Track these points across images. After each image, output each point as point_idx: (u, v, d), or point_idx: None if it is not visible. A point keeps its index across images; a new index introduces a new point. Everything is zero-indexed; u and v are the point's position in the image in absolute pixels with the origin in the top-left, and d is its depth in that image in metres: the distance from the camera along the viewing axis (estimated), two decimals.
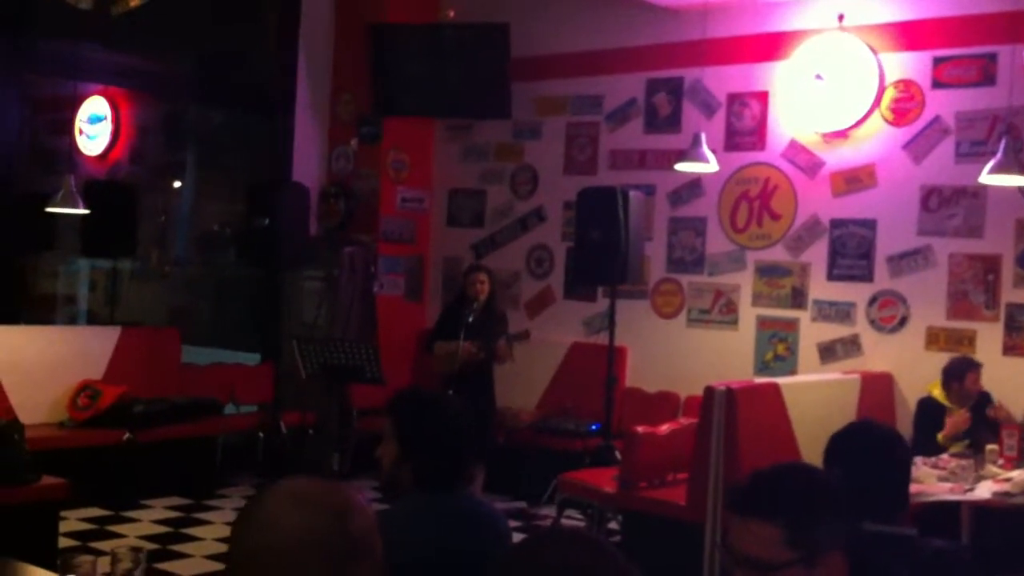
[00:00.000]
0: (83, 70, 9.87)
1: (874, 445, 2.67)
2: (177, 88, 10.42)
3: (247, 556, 1.64)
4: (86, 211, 7.93)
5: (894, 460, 2.66)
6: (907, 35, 7.34)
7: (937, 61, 7.23)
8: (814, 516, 2.04)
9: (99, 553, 5.38)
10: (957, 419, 6.18)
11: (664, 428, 6.46)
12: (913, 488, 3.74)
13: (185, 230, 12.27)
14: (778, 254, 7.84)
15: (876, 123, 7.43)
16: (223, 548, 6.59)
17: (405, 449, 3.00)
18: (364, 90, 9.29)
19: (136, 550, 2.85)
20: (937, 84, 7.23)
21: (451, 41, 9.05)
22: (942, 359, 6.86)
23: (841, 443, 2.72)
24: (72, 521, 6.71)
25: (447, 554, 2.83)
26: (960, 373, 6.48)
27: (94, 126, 11.41)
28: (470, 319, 7.22)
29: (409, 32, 9.17)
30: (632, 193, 7.54)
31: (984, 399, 6.52)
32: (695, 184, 8.17)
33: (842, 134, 7.55)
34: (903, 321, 7.31)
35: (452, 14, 9.20)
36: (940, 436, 6.08)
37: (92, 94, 11.35)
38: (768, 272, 7.88)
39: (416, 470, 3.00)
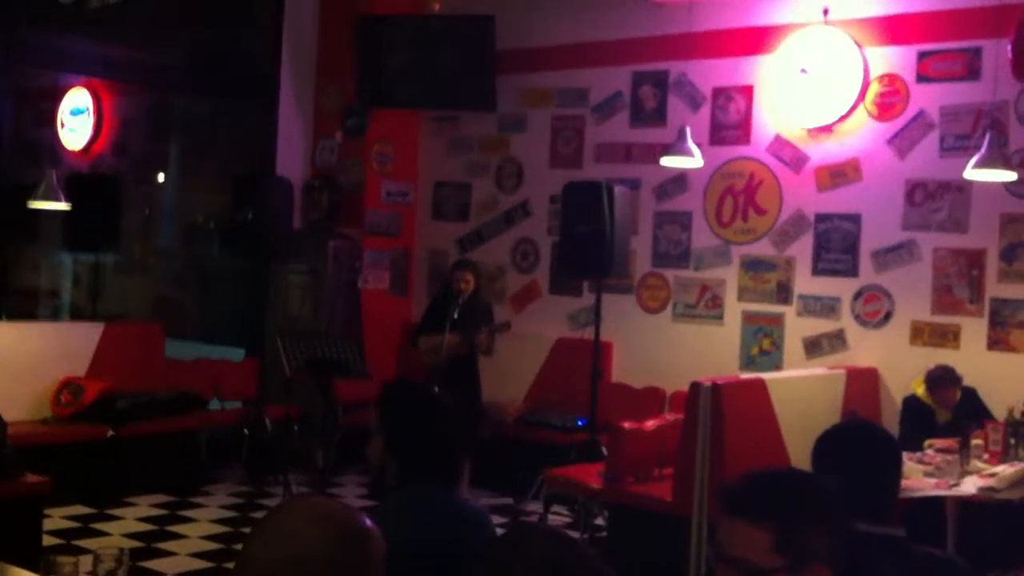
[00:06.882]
0: (67, 61, 9.81)
1: (867, 445, 2.63)
2: (160, 79, 10.36)
3: (263, 569, 1.59)
4: (67, 206, 7.88)
5: (886, 461, 2.62)
6: (892, 29, 7.34)
7: (922, 55, 7.23)
8: (805, 524, 2.00)
9: (83, 552, 5.36)
10: (949, 443, 6.05)
11: (650, 423, 6.46)
12: None
13: (169, 222, 12.21)
14: (763, 248, 7.85)
15: (861, 117, 7.43)
16: (208, 546, 6.57)
17: (390, 445, 3.00)
18: (349, 82, 9.25)
19: (119, 550, 2.83)
20: (922, 78, 7.23)
21: (437, 33, 9.02)
22: (927, 354, 6.89)
23: (833, 441, 2.66)
24: (56, 519, 6.67)
25: (431, 552, 2.82)
26: (933, 384, 6.46)
27: (76, 118, 11.32)
28: (455, 314, 7.25)
29: (395, 23, 9.14)
30: (617, 187, 7.54)
31: (969, 394, 6.53)
32: (680, 178, 8.16)
33: (827, 128, 7.54)
34: (888, 316, 7.32)
35: (438, 6, 9.16)
36: (927, 443, 6.05)
37: (74, 86, 11.26)
38: (753, 266, 7.88)
39: (402, 466, 2.99)
